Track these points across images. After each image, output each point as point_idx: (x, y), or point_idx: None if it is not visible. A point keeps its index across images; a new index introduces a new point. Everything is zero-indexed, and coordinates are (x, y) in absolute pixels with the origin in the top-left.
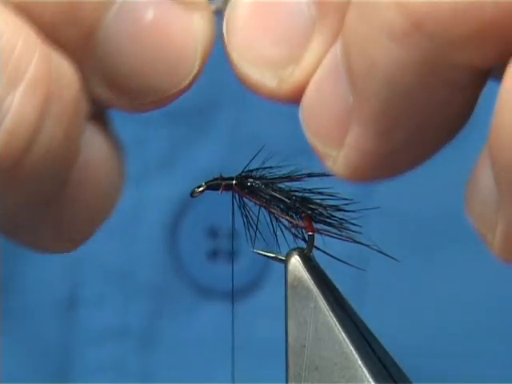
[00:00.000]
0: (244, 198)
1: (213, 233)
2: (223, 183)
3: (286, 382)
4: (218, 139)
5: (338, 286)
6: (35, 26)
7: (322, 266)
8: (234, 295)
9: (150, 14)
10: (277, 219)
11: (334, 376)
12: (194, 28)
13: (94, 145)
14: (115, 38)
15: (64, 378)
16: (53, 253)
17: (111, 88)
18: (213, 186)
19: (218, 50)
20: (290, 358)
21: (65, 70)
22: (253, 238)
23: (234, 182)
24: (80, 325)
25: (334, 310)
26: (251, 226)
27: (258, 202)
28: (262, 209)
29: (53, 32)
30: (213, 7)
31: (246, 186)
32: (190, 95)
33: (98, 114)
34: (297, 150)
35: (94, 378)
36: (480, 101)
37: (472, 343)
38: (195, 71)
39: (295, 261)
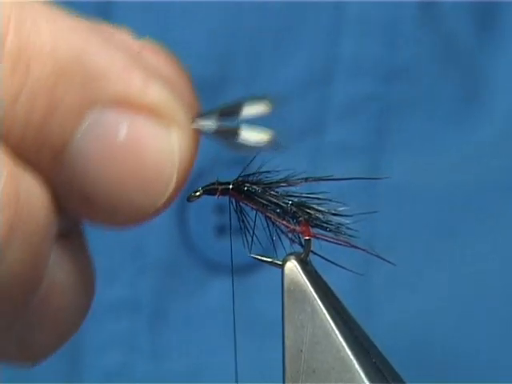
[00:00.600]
0: (241, 203)
1: (221, 208)
2: (220, 188)
3: None
4: None
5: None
6: (4, 145)
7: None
8: (240, 273)
9: (122, 133)
10: (274, 224)
11: (331, 380)
12: (170, 146)
13: (62, 267)
14: (85, 157)
15: (74, 353)
16: (16, 365)
17: (84, 205)
18: (209, 190)
19: (229, 25)
20: (287, 362)
21: (34, 190)
22: (250, 242)
23: (230, 186)
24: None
25: (330, 314)
26: (248, 230)
27: (254, 207)
28: (259, 213)
29: (22, 151)
30: (199, 125)
31: (243, 191)
32: (199, 69)
33: (70, 233)
34: (307, 125)
35: (104, 353)
36: (485, 74)
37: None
38: (171, 190)
39: (292, 265)
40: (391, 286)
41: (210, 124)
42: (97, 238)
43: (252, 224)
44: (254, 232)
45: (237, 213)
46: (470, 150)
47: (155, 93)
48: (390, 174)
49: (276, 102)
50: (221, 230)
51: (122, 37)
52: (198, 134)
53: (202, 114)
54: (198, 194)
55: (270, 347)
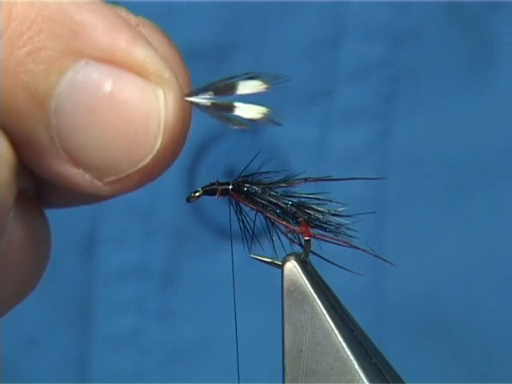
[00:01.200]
0: (241, 203)
1: (231, 174)
2: (220, 188)
3: None
4: None
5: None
6: None
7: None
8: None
9: (107, 87)
10: (273, 224)
11: (330, 380)
12: (156, 104)
13: (19, 224)
14: (69, 108)
15: (85, 316)
16: None
17: (67, 164)
18: (209, 191)
19: None
20: (287, 363)
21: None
22: (249, 242)
23: (230, 187)
24: (100, 265)
25: (330, 315)
26: (248, 230)
27: (254, 207)
28: (259, 214)
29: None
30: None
31: (243, 191)
32: (207, 36)
33: (28, 192)
34: (316, 91)
35: (115, 318)
36: (495, 38)
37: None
38: (157, 149)
39: (291, 266)
40: (402, 252)
41: (204, 99)
42: (106, 203)
43: (252, 224)
44: (253, 232)
45: (236, 213)
46: (480, 115)
47: (142, 51)
48: (401, 139)
49: (271, 79)
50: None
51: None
52: (190, 106)
53: (196, 90)
54: (197, 194)
55: (277, 311)
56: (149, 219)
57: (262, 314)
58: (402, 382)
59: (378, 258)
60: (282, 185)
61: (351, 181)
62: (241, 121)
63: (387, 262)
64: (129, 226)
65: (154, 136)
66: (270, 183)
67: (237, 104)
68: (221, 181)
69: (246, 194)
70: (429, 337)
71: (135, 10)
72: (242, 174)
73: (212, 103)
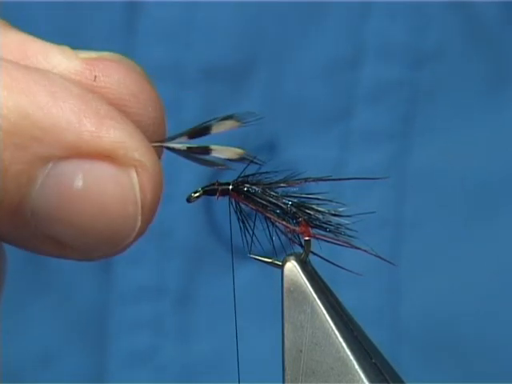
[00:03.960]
0: (241, 203)
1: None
2: (220, 188)
3: None
4: (255, 98)
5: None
6: None
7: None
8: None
9: (79, 182)
10: (273, 224)
11: (330, 381)
12: (131, 186)
13: None
14: (46, 209)
15: (100, 334)
16: None
17: (56, 248)
18: (209, 191)
19: (256, 8)
20: (287, 363)
21: None
22: (249, 243)
23: (230, 187)
24: (117, 283)
25: (330, 315)
26: (248, 231)
27: (254, 207)
28: (259, 214)
29: None
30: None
31: (243, 192)
32: (226, 54)
33: None
34: (334, 111)
35: (131, 336)
36: None
37: None
38: (138, 227)
39: (292, 266)
40: (418, 271)
41: (180, 144)
42: None
43: (252, 224)
44: (253, 232)
45: (237, 213)
46: (498, 134)
47: (109, 136)
48: (418, 159)
49: (244, 118)
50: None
51: (73, 62)
52: (160, 167)
53: (172, 136)
54: (197, 194)
55: None
56: (164, 238)
57: (277, 331)
58: (402, 381)
59: (379, 258)
60: (282, 185)
61: (368, 199)
62: (218, 162)
63: (390, 262)
64: (144, 245)
65: (133, 218)
66: (270, 183)
67: (212, 146)
68: (221, 181)
69: (246, 194)
70: (445, 357)
71: (153, 28)
72: (242, 174)
73: (188, 147)
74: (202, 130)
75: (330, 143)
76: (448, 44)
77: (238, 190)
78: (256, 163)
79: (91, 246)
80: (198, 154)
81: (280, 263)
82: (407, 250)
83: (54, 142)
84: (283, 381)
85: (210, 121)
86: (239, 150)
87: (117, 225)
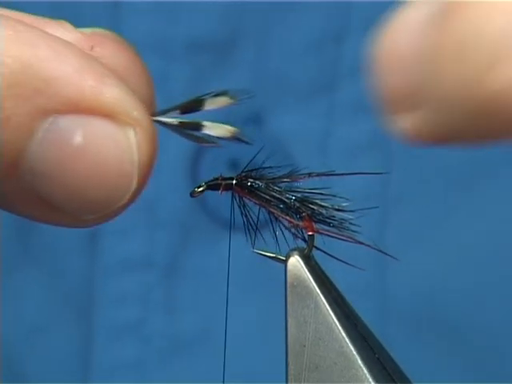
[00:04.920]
0: (244, 198)
1: (234, 165)
2: (223, 183)
3: (286, 381)
4: (241, 71)
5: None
6: None
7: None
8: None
9: (78, 138)
10: (277, 219)
11: (334, 376)
12: (128, 145)
13: None
14: (43, 165)
15: (88, 307)
16: None
17: (46, 210)
18: (213, 185)
19: None
20: (290, 358)
21: None
22: (253, 237)
23: (233, 181)
24: (104, 256)
25: (333, 310)
26: (251, 225)
27: (257, 202)
28: (262, 209)
29: None
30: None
31: (246, 186)
32: (212, 27)
33: None
34: (320, 85)
35: (118, 308)
36: None
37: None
38: (134, 188)
39: (295, 261)
40: (405, 247)
41: (172, 118)
42: None
43: (255, 219)
44: (257, 227)
45: (240, 208)
46: None
47: (109, 93)
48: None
49: (237, 95)
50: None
51: (72, 33)
52: (155, 129)
53: (164, 110)
54: (201, 189)
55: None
56: (152, 211)
57: (264, 307)
58: (406, 377)
59: (382, 252)
60: (286, 180)
61: (353, 178)
62: (209, 139)
63: (391, 257)
64: (132, 218)
65: (129, 177)
66: (274, 178)
67: (204, 123)
68: (224, 175)
69: (249, 189)
70: (431, 331)
71: (139, 6)
72: (246, 169)
73: (179, 122)
74: (195, 106)
75: (316, 115)
76: None
77: (241, 184)
78: (247, 142)
79: (83, 207)
80: (189, 130)
81: (283, 258)
82: (394, 224)
83: (55, 94)
84: (286, 375)
85: (203, 96)
86: (231, 128)
87: (112, 184)
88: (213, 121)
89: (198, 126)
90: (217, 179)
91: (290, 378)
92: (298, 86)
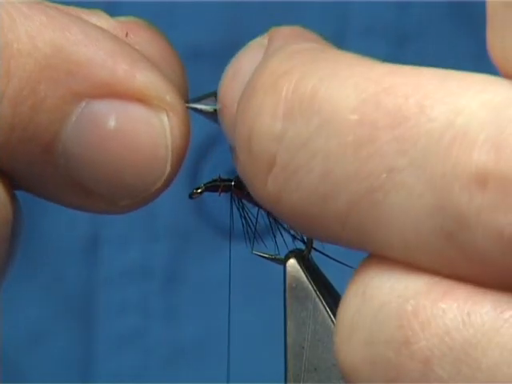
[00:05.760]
0: (243, 200)
1: (234, 173)
2: (222, 185)
3: (285, 383)
4: None
5: None
6: None
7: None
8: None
9: (112, 122)
10: (276, 220)
11: (332, 377)
12: (162, 129)
13: None
14: (77, 149)
15: (88, 316)
16: None
17: (81, 195)
18: (212, 187)
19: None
20: (289, 360)
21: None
22: (251, 239)
23: (232, 183)
24: (104, 265)
25: (333, 312)
26: (250, 227)
27: (256, 204)
28: (261, 210)
29: (7, 149)
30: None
31: (245, 188)
32: (212, 33)
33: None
34: None
35: (118, 317)
36: None
37: None
38: (167, 172)
39: (294, 262)
40: None
41: (207, 106)
42: None
43: (254, 221)
44: (255, 229)
45: (239, 210)
46: None
47: (142, 77)
48: None
49: None
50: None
51: (106, 21)
52: (188, 114)
53: (198, 97)
54: (199, 190)
55: (281, 312)
56: (151, 220)
57: (264, 314)
58: None
59: None
60: None
61: None
62: None
63: None
64: (132, 228)
65: (163, 161)
66: None
67: None
68: (223, 177)
69: (248, 191)
70: None
71: (138, 9)
72: None
73: (214, 109)
74: None
75: None
76: (432, 21)
77: (240, 186)
78: None
79: (118, 191)
80: None
81: (282, 259)
82: None
83: (88, 78)
84: (285, 377)
85: None
86: None
87: (146, 167)
88: None
89: None
90: (216, 181)
91: (288, 379)
92: None
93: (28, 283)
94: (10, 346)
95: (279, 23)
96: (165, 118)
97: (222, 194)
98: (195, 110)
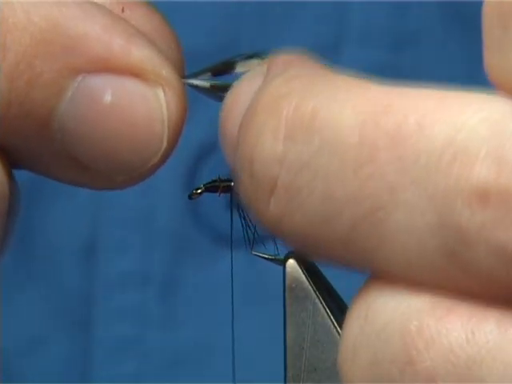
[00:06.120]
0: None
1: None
2: (221, 185)
3: (285, 383)
4: None
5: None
6: None
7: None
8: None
9: (108, 96)
10: None
11: (332, 378)
12: (158, 104)
13: None
14: (73, 124)
15: (85, 324)
16: None
17: (78, 170)
18: (211, 188)
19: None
20: (289, 360)
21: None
22: (251, 239)
23: (232, 184)
24: (101, 271)
25: (332, 312)
26: (249, 227)
27: None
28: None
29: (4, 125)
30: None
31: None
32: (207, 39)
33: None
34: None
35: (116, 324)
36: None
37: None
38: (164, 147)
39: (293, 262)
40: None
41: (203, 81)
42: (106, 210)
43: (254, 221)
44: (255, 229)
45: (239, 210)
46: None
47: (138, 52)
48: None
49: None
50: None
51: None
52: (184, 89)
53: (194, 73)
54: (199, 191)
55: (280, 318)
56: (148, 226)
57: (263, 320)
58: None
59: None
60: None
61: None
62: None
63: None
64: (129, 234)
65: (159, 136)
66: None
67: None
68: (223, 177)
69: None
70: None
71: None
72: None
73: (211, 85)
74: (226, 68)
75: None
76: (429, 27)
77: None
78: None
79: (115, 166)
80: (220, 92)
81: (282, 259)
82: None
83: (83, 52)
84: (285, 378)
85: (235, 57)
86: None
87: (142, 142)
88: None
89: (229, 89)
90: (215, 181)
91: (288, 380)
92: None
93: (26, 289)
94: (9, 351)
95: (275, 28)
96: (161, 93)
97: (222, 195)
98: (191, 85)
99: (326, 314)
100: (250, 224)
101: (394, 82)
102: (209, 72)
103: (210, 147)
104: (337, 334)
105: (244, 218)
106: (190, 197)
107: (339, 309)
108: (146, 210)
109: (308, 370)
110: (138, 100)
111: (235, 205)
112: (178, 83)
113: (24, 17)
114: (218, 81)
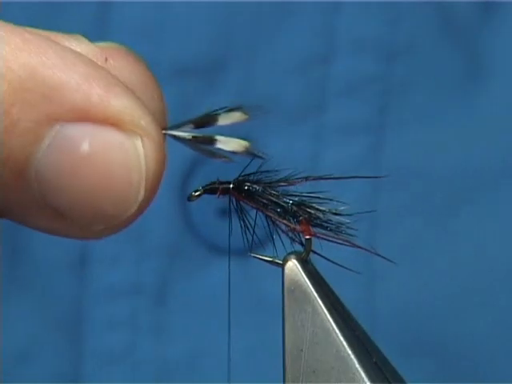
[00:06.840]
0: (241, 202)
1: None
2: (220, 187)
3: None
4: (229, 94)
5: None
6: None
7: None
8: (241, 255)
9: (85, 146)
10: (274, 223)
11: (331, 380)
12: (136, 154)
13: None
14: (50, 172)
15: (78, 334)
16: None
17: (54, 219)
18: (210, 189)
19: (228, 4)
20: (288, 362)
21: None
22: (250, 241)
23: (231, 185)
24: (93, 282)
25: (331, 314)
26: (248, 229)
27: (255, 206)
28: (260, 213)
29: None
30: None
31: (243, 190)
32: (200, 50)
33: None
34: (308, 104)
35: (108, 334)
36: (486, 51)
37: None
38: (141, 198)
39: (292, 265)
40: (393, 266)
41: (185, 133)
42: None
43: (252, 223)
44: (254, 231)
45: (237, 212)
46: (472, 128)
47: (117, 102)
48: (393, 152)
49: (251, 111)
50: (222, 212)
51: (86, 46)
52: (163, 140)
53: (177, 124)
54: (198, 193)
55: (272, 327)
56: (141, 237)
57: (256, 330)
58: (403, 381)
59: (379, 256)
60: (283, 184)
61: (343, 194)
62: (222, 154)
63: (388, 260)
64: (121, 244)
65: (136, 187)
66: (271, 182)
67: (218, 137)
68: (221, 179)
69: (246, 193)
70: (420, 351)
71: (126, 26)
72: (243, 173)
73: (193, 136)
74: (208, 120)
75: (305, 137)
76: (420, 37)
77: (238, 188)
78: (260, 157)
79: (92, 216)
80: (202, 144)
81: (281, 262)
82: (381, 244)
83: (62, 102)
84: (284, 380)
85: (217, 111)
86: (245, 143)
87: (120, 193)
88: (226, 135)
89: (211, 141)
90: (214, 183)
91: (287, 381)
92: (286, 107)
93: (18, 300)
94: (0, 362)
95: (266, 40)
96: (139, 143)
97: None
98: (173, 136)
99: (324, 316)
100: (249, 226)
101: (384, 92)
102: (191, 124)
103: (201, 160)
104: (336, 335)
105: (243, 220)
106: (188, 199)
107: (338, 311)
108: (138, 221)
109: (307, 371)
110: (116, 150)
111: (234, 207)
112: (156, 133)
113: (2, 64)
114: (200, 133)
